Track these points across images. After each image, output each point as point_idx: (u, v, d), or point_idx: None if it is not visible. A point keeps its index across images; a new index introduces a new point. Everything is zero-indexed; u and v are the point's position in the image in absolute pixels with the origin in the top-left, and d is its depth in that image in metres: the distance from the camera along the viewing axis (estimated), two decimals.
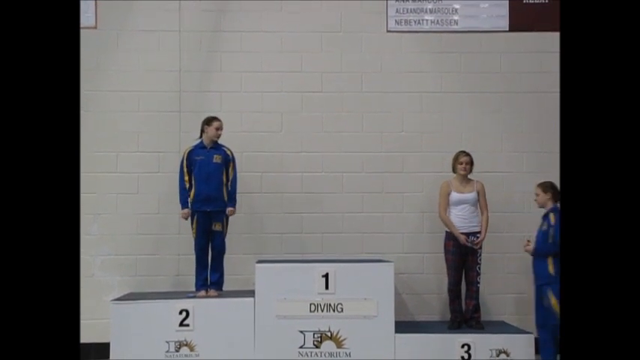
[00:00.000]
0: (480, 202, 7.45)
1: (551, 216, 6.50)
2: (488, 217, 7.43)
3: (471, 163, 7.48)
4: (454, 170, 7.51)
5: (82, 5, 7.91)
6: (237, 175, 7.46)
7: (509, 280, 8.14)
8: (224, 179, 7.32)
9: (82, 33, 7.61)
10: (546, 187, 6.72)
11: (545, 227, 6.57)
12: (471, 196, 7.39)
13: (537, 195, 6.78)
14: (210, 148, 7.30)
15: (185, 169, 7.29)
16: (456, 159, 7.51)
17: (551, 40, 8.13)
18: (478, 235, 7.35)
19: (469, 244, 7.28)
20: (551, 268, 6.44)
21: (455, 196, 7.38)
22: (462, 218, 7.35)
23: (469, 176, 7.51)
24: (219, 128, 7.32)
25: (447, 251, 7.41)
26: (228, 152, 7.37)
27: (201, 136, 7.39)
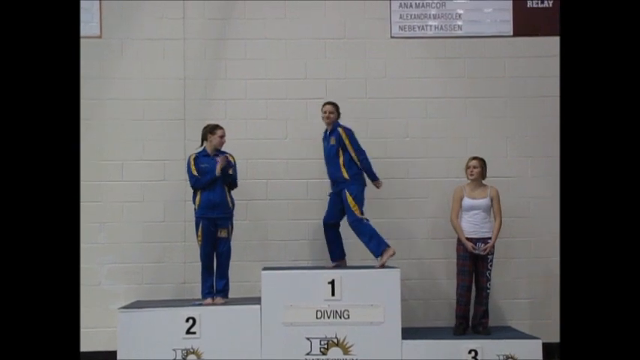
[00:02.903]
0: (494, 207, 7.39)
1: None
2: (500, 223, 7.36)
3: (480, 167, 7.41)
4: (466, 176, 7.50)
5: (87, 15, 8.00)
6: (243, 182, 7.53)
7: (516, 286, 8.13)
8: (227, 186, 7.31)
9: (87, 42, 7.78)
10: (336, 106, 7.43)
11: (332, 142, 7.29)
12: (483, 202, 7.34)
13: (332, 113, 7.36)
14: (214, 155, 7.29)
15: (196, 174, 7.23)
16: (466, 164, 7.49)
17: (555, 45, 8.10)
18: (489, 241, 7.31)
19: (476, 251, 7.26)
20: (345, 173, 7.25)
21: (466, 201, 7.35)
22: (472, 224, 7.31)
23: (484, 182, 7.49)
24: (223, 136, 7.33)
25: (458, 256, 7.37)
26: (232, 159, 7.37)
27: (202, 144, 7.39)
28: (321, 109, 7.43)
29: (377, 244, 7.23)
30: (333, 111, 7.39)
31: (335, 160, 7.33)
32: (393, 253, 7.20)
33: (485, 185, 7.47)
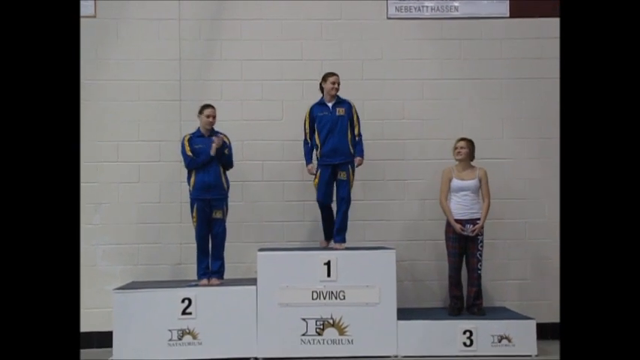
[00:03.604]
0: (482, 189, 7.42)
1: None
2: (489, 204, 7.39)
3: (468, 147, 7.43)
4: (454, 156, 7.51)
5: None
6: (238, 163, 7.52)
7: (510, 267, 8.16)
8: (222, 167, 7.29)
9: (82, 22, 7.58)
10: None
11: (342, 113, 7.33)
12: (472, 183, 7.37)
13: (339, 85, 7.39)
14: (208, 136, 7.26)
15: (191, 155, 7.22)
16: (453, 145, 7.50)
17: (551, 26, 8.14)
18: (478, 222, 7.33)
19: (465, 233, 7.27)
20: (352, 148, 7.35)
21: (455, 182, 7.37)
22: (462, 205, 7.33)
23: (473, 163, 7.50)
24: (210, 115, 7.27)
25: (447, 238, 7.41)
26: (226, 140, 7.34)
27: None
28: (327, 80, 7.37)
29: (345, 232, 7.35)
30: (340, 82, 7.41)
31: (344, 132, 7.34)
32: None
33: (473, 166, 7.48)
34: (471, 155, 7.46)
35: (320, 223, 7.60)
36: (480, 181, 7.40)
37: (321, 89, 7.46)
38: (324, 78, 7.42)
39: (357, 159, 7.36)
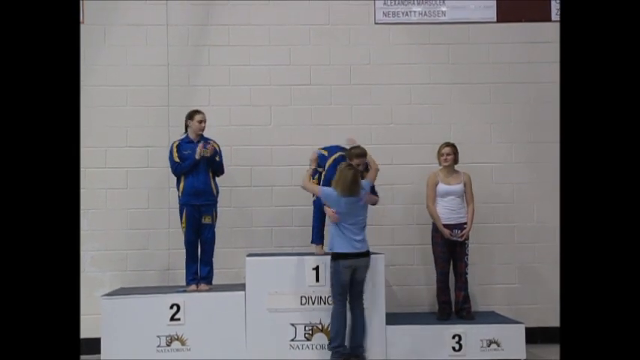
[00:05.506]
0: (467, 193, 7.45)
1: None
2: (474, 208, 7.42)
3: (454, 153, 7.46)
4: (439, 162, 7.51)
5: None
6: (227, 168, 7.48)
7: (498, 271, 8.17)
8: (211, 172, 7.28)
9: None
10: None
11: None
12: (458, 187, 7.39)
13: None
14: (197, 141, 7.25)
15: (178, 161, 7.20)
16: (438, 151, 7.51)
17: (539, 31, 8.20)
18: (465, 226, 7.35)
19: (453, 238, 7.29)
20: None
21: (442, 187, 7.38)
22: (449, 210, 7.34)
23: (456, 167, 7.51)
24: (202, 121, 7.29)
25: (434, 243, 7.42)
26: (216, 146, 7.34)
27: (186, 131, 7.35)
28: (353, 160, 6.87)
29: None
30: None
31: None
32: None
33: (458, 171, 7.51)
34: (456, 160, 7.48)
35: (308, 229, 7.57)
36: (465, 185, 7.43)
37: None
38: (350, 156, 6.97)
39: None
